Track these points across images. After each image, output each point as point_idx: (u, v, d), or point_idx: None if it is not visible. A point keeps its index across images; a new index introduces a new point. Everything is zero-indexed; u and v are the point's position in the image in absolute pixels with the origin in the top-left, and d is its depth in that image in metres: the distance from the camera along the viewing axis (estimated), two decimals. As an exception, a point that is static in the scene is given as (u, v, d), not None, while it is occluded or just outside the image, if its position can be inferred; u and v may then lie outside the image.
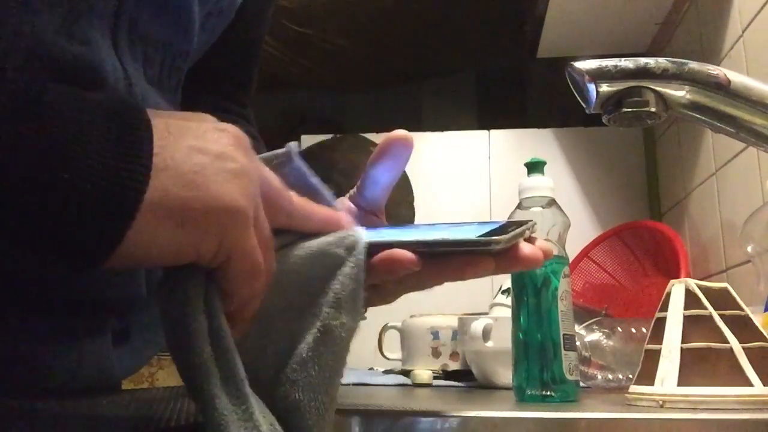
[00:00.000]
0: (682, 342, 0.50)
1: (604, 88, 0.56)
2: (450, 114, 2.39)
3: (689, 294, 0.52)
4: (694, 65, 0.56)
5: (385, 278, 0.39)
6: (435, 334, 1.01)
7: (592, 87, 0.56)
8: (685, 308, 0.52)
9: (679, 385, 0.49)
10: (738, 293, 0.52)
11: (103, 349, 0.48)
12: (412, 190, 1.65)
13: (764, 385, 0.47)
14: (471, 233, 0.39)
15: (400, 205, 1.62)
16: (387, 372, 1.11)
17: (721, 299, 0.52)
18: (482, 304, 1.15)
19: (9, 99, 0.26)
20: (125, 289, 0.48)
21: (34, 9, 0.36)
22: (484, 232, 0.39)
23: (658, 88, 0.56)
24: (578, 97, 0.59)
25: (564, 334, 0.58)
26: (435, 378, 0.95)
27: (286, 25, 1.95)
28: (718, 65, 0.58)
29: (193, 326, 0.30)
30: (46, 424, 0.34)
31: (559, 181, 1.23)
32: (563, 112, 1.94)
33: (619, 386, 0.71)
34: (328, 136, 1.76)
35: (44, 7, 0.36)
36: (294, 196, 0.37)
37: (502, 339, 0.73)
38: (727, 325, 0.50)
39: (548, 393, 0.57)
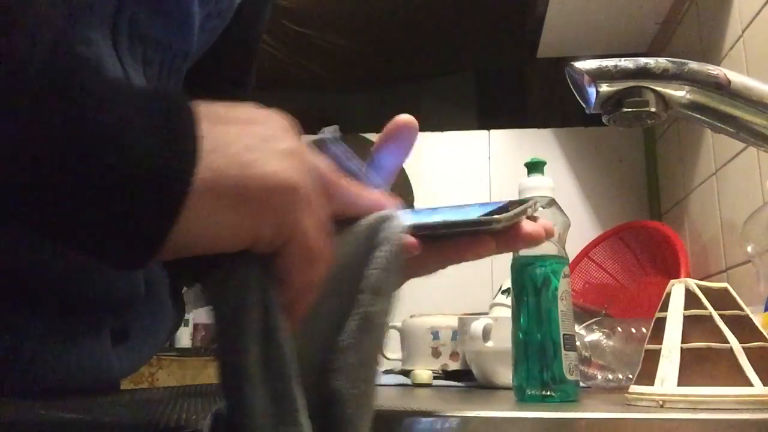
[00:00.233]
0: (682, 342, 0.50)
1: (604, 88, 0.56)
2: (450, 114, 2.39)
3: (689, 294, 0.52)
4: (694, 65, 0.56)
5: None
6: (435, 334, 1.01)
7: (592, 87, 0.56)
8: (685, 308, 0.52)
9: (679, 385, 0.49)
10: (738, 293, 0.52)
11: (102, 348, 0.48)
12: (412, 190, 1.65)
13: (764, 385, 0.47)
14: (472, 214, 0.39)
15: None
16: (387, 372, 1.11)
17: (721, 299, 0.51)
18: (482, 304, 1.15)
19: (51, 85, 0.25)
20: (124, 289, 0.48)
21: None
22: (485, 212, 0.38)
23: (658, 88, 0.56)
24: (578, 97, 0.59)
25: (564, 334, 0.58)
26: (435, 378, 0.95)
27: (286, 25, 1.95)
28: (718, 65, 0.58)
29: (244, 323, 0.28)
30: (46, 425, 0.34)
31: (559, 181, 1.23)
32: (563, 112, 1.94)
33: (619, 386, 0.71)
34: (328, 136, 1.76)
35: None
36: (345, 181, 0.36)
37: (502, 339, 0.73)
38: (727, 325, 0.50)
39: (548, 393, 0.57)
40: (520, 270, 0.60)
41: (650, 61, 0.56)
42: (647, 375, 0.51)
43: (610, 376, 0.73)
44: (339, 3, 1.89)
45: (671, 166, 1.46)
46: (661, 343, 0.51)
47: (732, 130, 0.57)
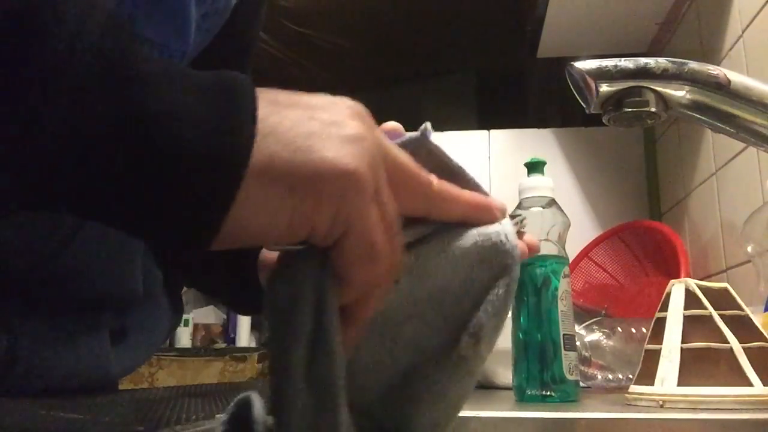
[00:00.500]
0: (682, 342, 0.50)
1: (604, 88, 0.56)
2: (450, 114, 2.39)
3: (689, 294, 0.52)
4: (694, 65, 0.56)
5: None
6: (435, 334, 1.01)
7: (592, 87, 0.56)
8: (685, 308, 0.52)
9: (679, 385, 0.49)
10: (738, 293, 0.52)
11: (100, 348, 0.48)
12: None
13: (764, 385, 0.47)
14: None
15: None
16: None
17: (721, 299, 0.51)
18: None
19: (105, 64, 0.24)
20: (122, 288, 0.48)
21: None
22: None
23: (658, 88, 0.56)
24: (578, 97, 0.59)
25: (564, 334, 0.58)
26: (435, 378, 0.95)
27: (286, 25, 1.95)
28: (718, 65, 0.58)
29: (292, 321, 0.26)
30: (45, 425, 0.34)
31: (559, 181, 1.23)
32: (563, 112, 1.94)
33: (619, 386, 0.71)
34: (328, 136, 1.76)
35: None
36: (433, 178, 0.32)
37: (502, 339, 0.73)
38: (727, 325, 0.50)
39: (548, 393, 0.57)
40: (520, 270, 0.60)
41: (650, 61, 0.56)
42: (647, 375, 0.51)
43: (610, 376, 0.73)
44: (339, 3, 1.89)
45: (671, 166, 1.46)
46: (661, 343, 0.51)
47: (732, 130, 0.57)
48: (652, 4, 1.35)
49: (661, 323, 0.53)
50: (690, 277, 0.89)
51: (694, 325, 0.51)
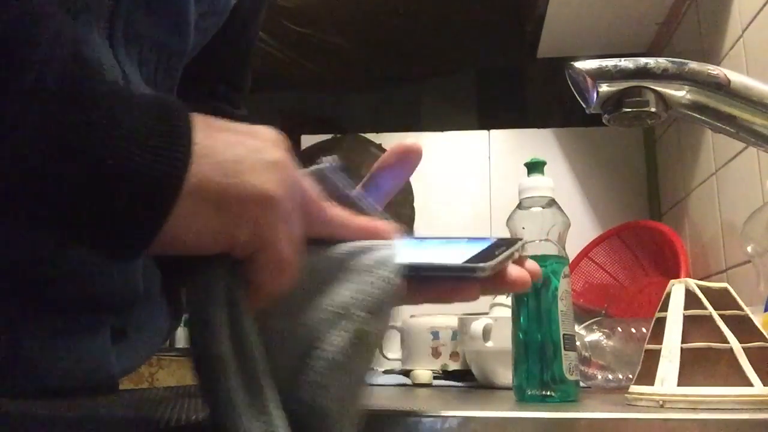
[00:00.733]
0: (682, 342, 0.50)
1: (604, 88, 0.56)
2: (450, 114, 2.39)
3: (689, 294, 0.52)
4: (694, 65, 0.56)
5: None
6: (435, 334, 1.01)
7: (592, 87, 0.56)
8: (685, 308, 0.52)
9: (679, 385, 0.49)
10: (738, 293, 0.52)
11: (101, 348, 0.48)
12: (412, 190, 1.65)
13: (764, 385, 0.47)
14: (458, 256, 0.38)
15: (401, 205, 1.62)
16: (387, 372, 1.11)
17: (721, 299, 0.51)
18: (482, 304, 1.15)
19: (58, 89, 0.27)
20: (123, 288, 0.48)
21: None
22: (471, 255, 0.38)
23: (658, 88, 0.56)
24: (578, 97, 0.59)
25: (564, 334, 0.58)
26: (435, 378, 0.95)
27: (286, 25, 1.95)
28: (718, 65, 0.58)
29: (212, 317, 0.30)
30: (46, 425, 0.34)
31: (559, 181, 1.23)
32: (563, 112, 1.94)
33: (619, 386, 0.71)
34: (328, 136, 1.76)
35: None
36: (330, 205, 0.37)
37: (502, 339, 0.73)
38: (727, 325, 0.50)
39: (548, 393, 0.57)
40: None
41: (650, 61, 0.56)
42: (647, 375, 0.51)
43: (610, 376, 0.73)
44: (339, 3, 1.89)
45: (671, 166, 1.46)
46: (661, 343, 0.51)
47: (732, 130, 0.57)
48: (652, 4, 1.35)
49: (661, 323, 0.53)
50: (690, 277, 0.89)
51: (694, 325, 0.51)
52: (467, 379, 0.93)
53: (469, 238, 0.41)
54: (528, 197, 0.63)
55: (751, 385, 0.47)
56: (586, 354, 0.73)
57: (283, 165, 0.32)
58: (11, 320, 0.42)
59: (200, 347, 0.30)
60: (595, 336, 0.74)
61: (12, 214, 0.29)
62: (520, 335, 0.59)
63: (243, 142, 0.31)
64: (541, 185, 0.63)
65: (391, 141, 1.67)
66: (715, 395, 0.47)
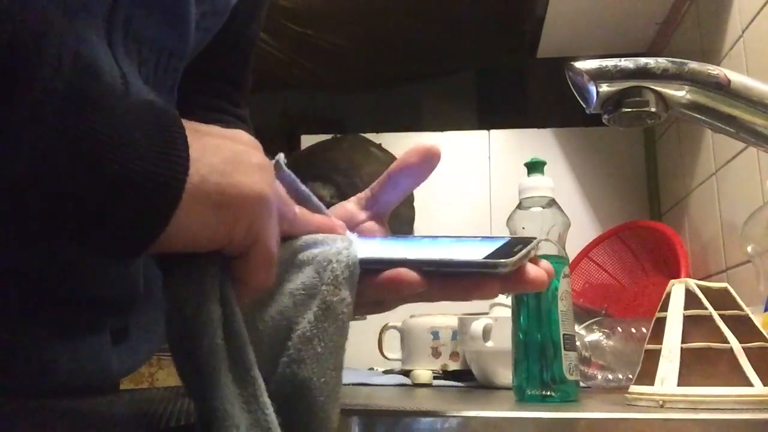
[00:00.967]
0: (682, 342, 0.50)
1: (604, 88, 0.56)
2: (450, 114, 2.39)
3: (689, 294, 0.52)
4: (694, 65, 0.56)
5: (388, 297, 0.41)
6: (435, 334, 1.01)
7: (592, 87, 0.56)
8: (685, 308, 0.52)
9: (679, 385, 0.49)
10: (738, 293, 0.52)
11: (102, 347, 0.48)
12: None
13: (764, 385, 0.47)
14: (476, 253, 0.39)
15: (401, 205, 1.62)
16: (387, 372, 1.11)
17: (721, 299, 0.52)
18: (482, 304, 1.15)
19: (70, 102, 0.27)
20: (123, 288, 0.48)
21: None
22: (489, 252, 0.39)
23: (658, 88, 0.56)
24: (578, 97, 0.59)
25: (564, 334, 0.58)
26: (435, 378, 0.95)
27: (286, 25, 1.95)
28: (718, 65, 0.58)
29: (209, 312, 0.31)
30: (46, 425, 0.34)
31: (559, 181, 1.23)
32: (563, 112, 1.94)
33: (619, 386, 0.71)
34: (328, 136, 1.76)
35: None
36: (294, 204, 0.39)
37: (502, 339, 0.73)
38: (727, 325, 0.50)
39: (548, 393, 0.57)
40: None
41: (650, 61, 0.56)
42: (647, 375, 0.51)
43: (610, 376, 0.73)
44: (339, 3, 1.89)
45: (671, 166, 1.46)
46: (661, 343, 0.51)
47: (732, 130, 0.57)
48: (652, 4, 1.35)
49: (661, 323, 0.53)
50: (690, 277, 0.89)
51: (694, 325, 0.51)
52: (467, 379, 0.93)
53: (482, 237, 0.42)
54: (528, 197, 0.63)
55: (751, 385, 0.47)
56: (586, 354, 0.73)
57: (268, 167, 0.34)
58: (11, 320, 0.42)
59: (194, 341, 0.31)
60: (595, 336, 0.74)
61: (15, 219, 0.29)
62: (520, 335, 0.59)
63: (227, 146, 0.33)
64: (541, 185, 0.63)
65: (391, 141, 1.67)
66: (715, 395, 0.47)
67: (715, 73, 0.55)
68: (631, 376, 0.63)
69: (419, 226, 1.63)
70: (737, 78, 0.55)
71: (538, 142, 1.69)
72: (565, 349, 0.57)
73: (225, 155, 0.32)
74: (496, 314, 0.98)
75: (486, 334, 0.79)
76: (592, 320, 0.77)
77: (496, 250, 0.39)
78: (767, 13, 0.94)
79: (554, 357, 0.57)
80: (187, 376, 0.32)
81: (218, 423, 0.30)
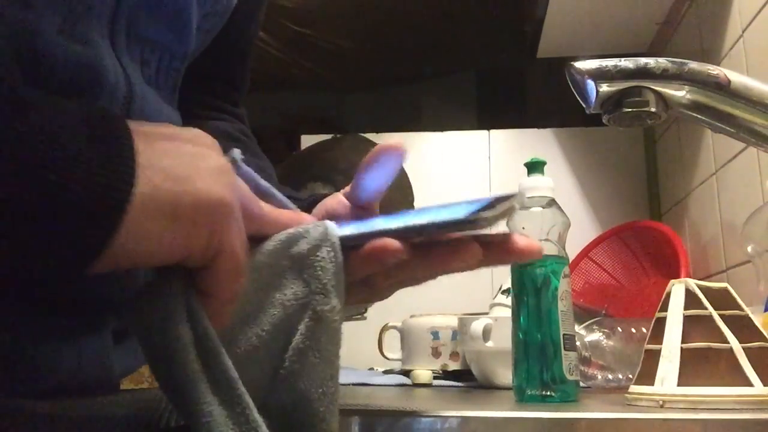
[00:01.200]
0: (682, 342, 0.50)
1: (604, 88, 0.56)
2: (450, 114, 2.39)
3: (689, 294, 0.52)
4: (694, 65, 0.56)
5: (373, 270, 0.39)
6: (435, 334, 1.01)
7: (592, 87, 0.56)
8: (685, 308, 0.52)
9: (679, 385, 0.49)
10: (738, 293, 0.52)
11: (103, 347, 0.48)
12: (412, 191, 1.65)
13: (764, 385, 0.47)
14: (459, 212, 0.37)
15: (400, 206, 1.62)
16: (387, 372, 1.11)
17: (721, 299, 0.52)
18: (482, 304, 1.15)
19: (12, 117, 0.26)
20: (124, 288, 0.48)
21: (35, 9, 0.36)
22: (472, 210, 0.37)
23: (658, 88, 0.56)
24: (578, 97, 0.59)
25: (564, 334, 0.58)
26: (435, 378, 0.95)
27: (286, 25, 1.95)
28: (718, 65, 0.58)
29: (178, 334, 0.30)
30: (46, 425, 0.34)
31: (559, 181, 1.23)
32: (563, 112, 1.94)
33: (619, 386, 0.71)
34: (328, 136, 1.76)
35: (45, 8, 0.37)
36: (260, 202, 0.37)
37: (502, 339, 0.73)
38: (727, 325, 0.50)
39: (548, 393, 0.57)
40: (520, 270, 0.60)
41: (650, 61, 0.56)
42: (647, 375, 0.51)
43: (610, 376, 0.73)
44: (339, 3, 1.89)
45: (671, 166, 1.46)
46: (661, 343, 0.51)
47: (732, 130, 0.57)
48: (652, 4, 1.35)
49: (661, 323, 0.53)
50: (690, 277, 0.89)
51: (694, 325, 0.51)
52: (467, 379, 0.93)
53: (467, 201, 0.39)
54: (528, 197, 0.63)
55: (751, 385, 0.47)
56: (586, 354, 0.73)
57: (227, 169, 0.32)
58: (11, 320, 0.42)
59: (166, 371, 0.30)
60: (595, 336, 0.74)
61: None
62: (520, 335, 0.59)
63: (182, 149, 0.31)
64: (541, 185, 0.63)
65: (391, 141, 1.67)
66: (715, 395, 0.47)
67: (715, 73, 0.55)
68: (631, 376, 0.63)
69: (419, 226, 1.63)
70: (737, 78, 0.55)
71: (538, 142, 1.69)
72: (565, 349, 0.57)
73: (179, 160, 0.30)
74: (496, 314, 0.98)
75: (486, 334, 0.79)
76: (592, 320, 0.77)
77: (479, 208, 0.37)
78: (767, 13, 0.94)
79: (554, 357, 0.57)
80: (172, 400, 0.30)
81: None
